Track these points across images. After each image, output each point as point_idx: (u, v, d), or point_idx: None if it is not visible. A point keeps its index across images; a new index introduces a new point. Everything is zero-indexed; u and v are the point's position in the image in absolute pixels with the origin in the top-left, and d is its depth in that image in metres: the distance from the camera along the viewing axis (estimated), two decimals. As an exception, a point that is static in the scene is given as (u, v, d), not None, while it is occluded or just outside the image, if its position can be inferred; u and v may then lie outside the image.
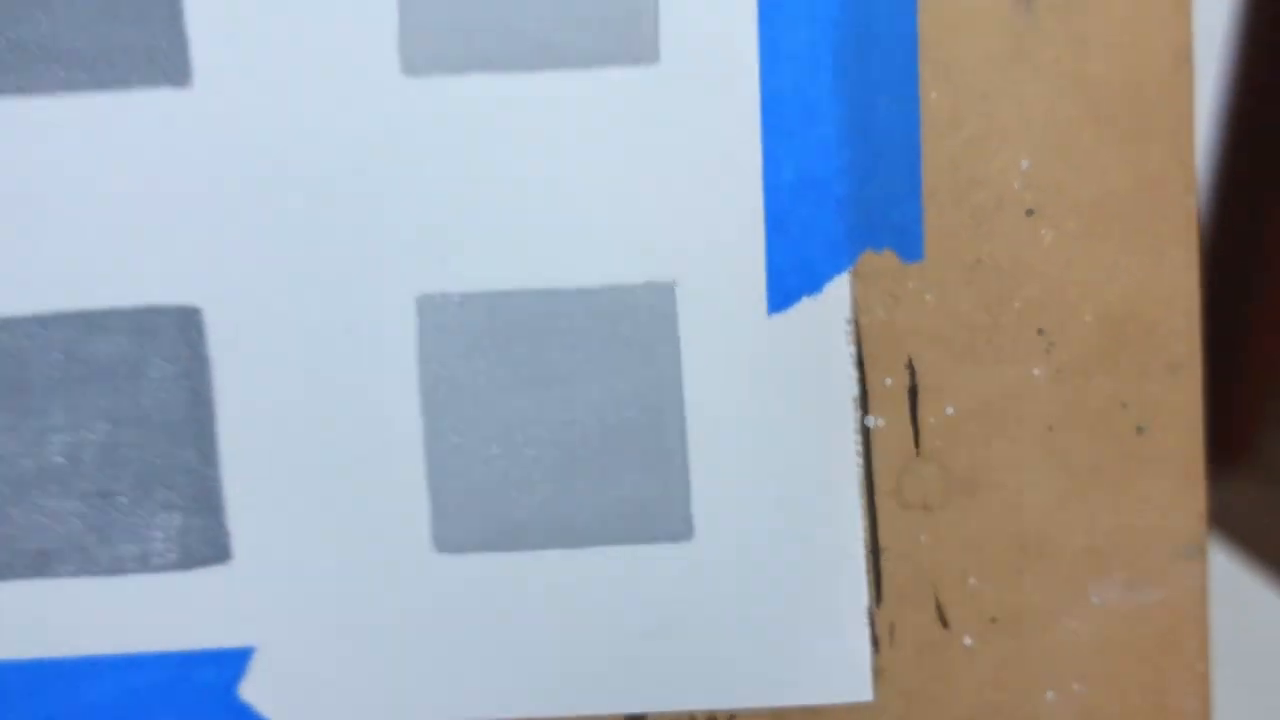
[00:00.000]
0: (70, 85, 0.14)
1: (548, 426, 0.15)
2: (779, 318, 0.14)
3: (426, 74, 0.14)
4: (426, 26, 0.14)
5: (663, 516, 0.15)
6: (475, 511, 0.15)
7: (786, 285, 0.14)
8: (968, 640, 0.15)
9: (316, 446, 0.14)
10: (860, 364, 0.15)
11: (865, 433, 0.15)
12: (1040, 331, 0.15)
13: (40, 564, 0.14)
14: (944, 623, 0.15)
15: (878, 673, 0.15)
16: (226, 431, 0.14)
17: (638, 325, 0.15)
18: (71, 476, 0.15)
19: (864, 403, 0.15)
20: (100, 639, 0.15)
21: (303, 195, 0.14)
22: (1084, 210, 0.15)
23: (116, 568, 0.15)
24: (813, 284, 0.14)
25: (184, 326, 0.14)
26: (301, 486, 0.14)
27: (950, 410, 0.15)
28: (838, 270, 0.14)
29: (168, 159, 0.14)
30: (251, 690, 0.15)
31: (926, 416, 0.15)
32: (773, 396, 0.15)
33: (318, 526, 0.15)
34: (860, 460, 0.15)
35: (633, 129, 0.14)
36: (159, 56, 0.14)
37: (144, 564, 0.15)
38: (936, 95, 0.14)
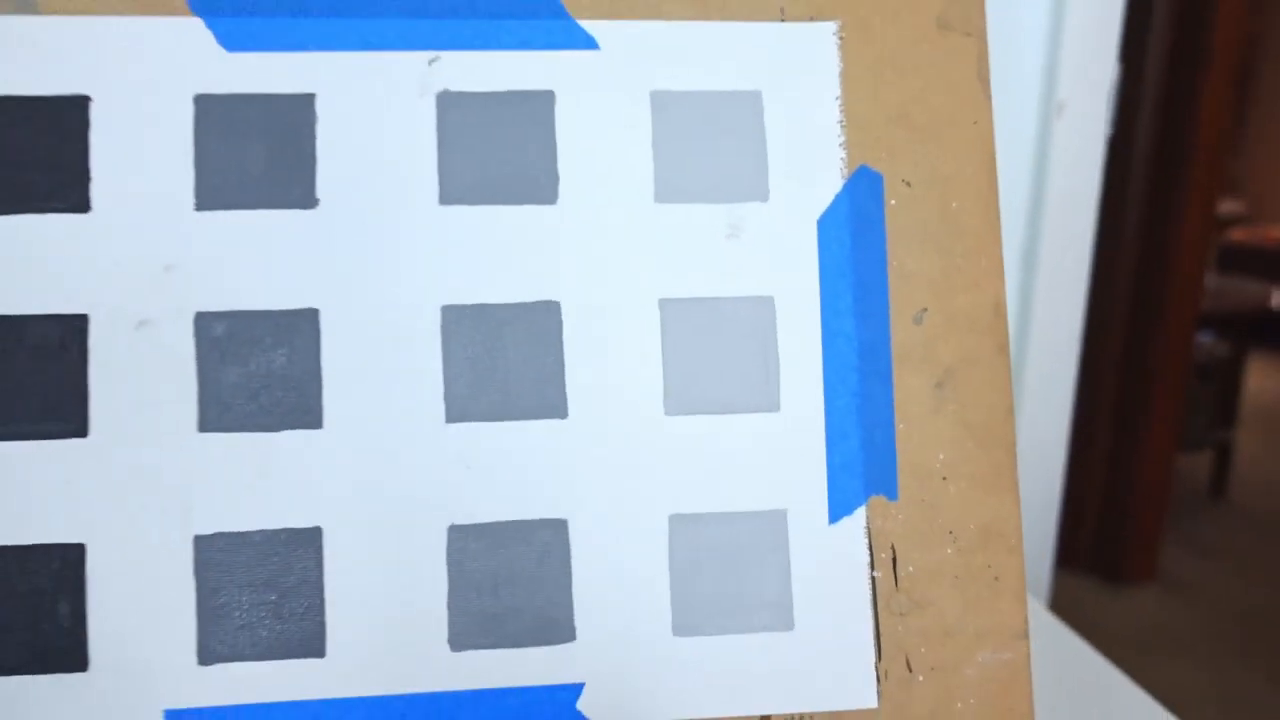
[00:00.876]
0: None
1: (723, 588, 0.31)
2: (834, 526, 0.32)
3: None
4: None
5: (772, 609, 0.32)
6: (707, 600, 0.31)
7: (837, 512, 0.32)
8: (921, 678, 0.32)
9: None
10: (870, 548, 0.32)
11: (873, 580, 0.32)
12: (950, 532, 0.32)
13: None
14: (909, 669, 0.32)
15: (880, 692, 0.32)
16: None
17: (764, 530, 0.32)
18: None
19: (871, 565, 0.32)
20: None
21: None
22: (975, 475, 0.32)
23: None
24: (848, 510, 0.32)
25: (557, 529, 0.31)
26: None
27: (910, 569, 0.32)
28: (860, 504, 0.32)
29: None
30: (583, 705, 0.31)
31: (901, 571, 0.32)
32: (831, 563, 0.32)
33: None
34: (870, 593, 0.32)
35: (762, 464, 0.32)
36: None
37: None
38: (904, 426, 0.32)
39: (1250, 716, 1.72)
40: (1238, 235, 3.54)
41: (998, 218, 0.33)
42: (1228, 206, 3.81)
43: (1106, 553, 1.95)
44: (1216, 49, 1.70)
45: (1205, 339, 2.34)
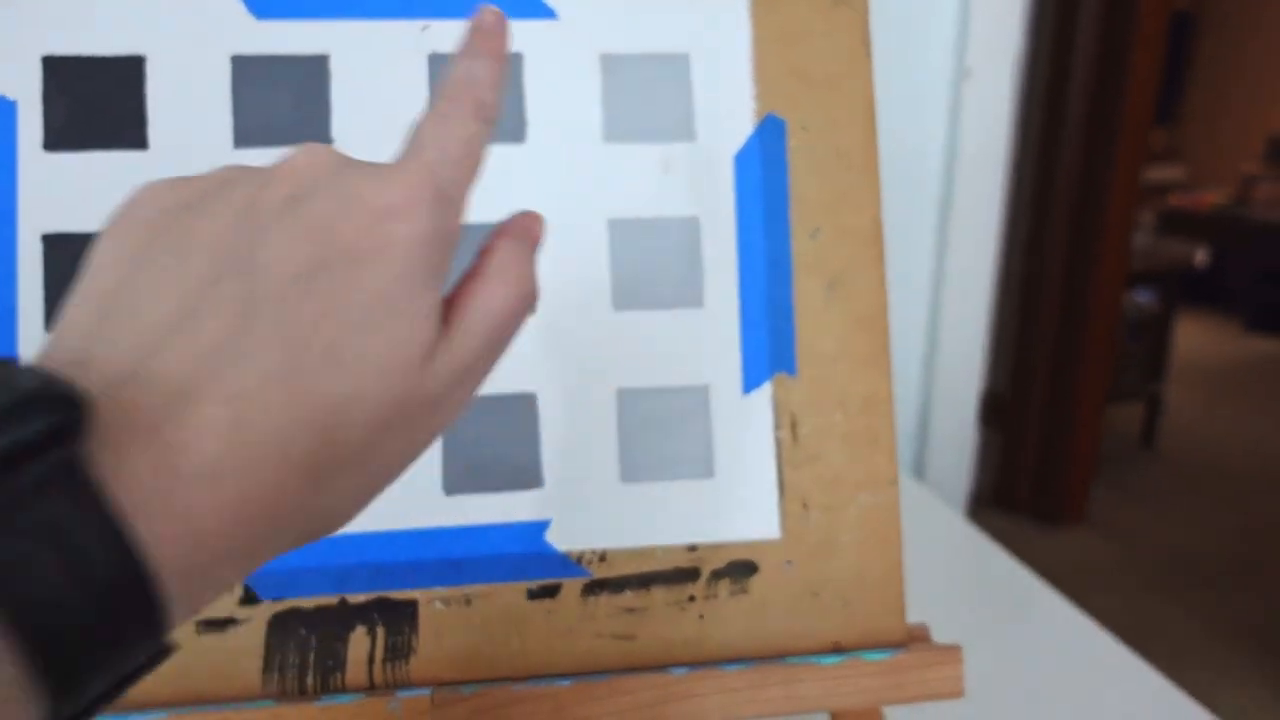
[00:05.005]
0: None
1: (654, 435, 0.40)
2: (746, 396, 0.40)
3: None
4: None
5: (697, 461, 0.40)
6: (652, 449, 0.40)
7: (749, 385, 0.40)
8: (814, 515, 0.41)
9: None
10: (775, 413, 0.41)
11: (777, 439, 0.41)
12: (838, 401, 0.41)
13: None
14: (805, 508, 0.41)
15: (782, 526, 0.40)
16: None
17: (691, 400, 0.40)
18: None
19: (776, 426, 0.41)
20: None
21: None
22: (858, 357, 0.41)
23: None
24: (758, 384, 0.41)
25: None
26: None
27: (807, 430, 0.41)
28: (767, 379, 0.41)
29: (530, 339, 0.39)
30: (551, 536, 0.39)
31: (799, 432, 0.41)
32: (745, 425, 0.40)
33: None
34: (775, 448, 0.41)
35: (690, 348, 0.40)
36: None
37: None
38: (802, 318, 0.41)
39: (1168, 646, 1.87)
40: (1176, 200, 3.70)
41: (876, 154, 0.42)
42: (1168, 173, 3.97)
43: (1041, 496, 2.08)
44: (1144, 24, 1.80)
45: (1141, 297, 2.47)
